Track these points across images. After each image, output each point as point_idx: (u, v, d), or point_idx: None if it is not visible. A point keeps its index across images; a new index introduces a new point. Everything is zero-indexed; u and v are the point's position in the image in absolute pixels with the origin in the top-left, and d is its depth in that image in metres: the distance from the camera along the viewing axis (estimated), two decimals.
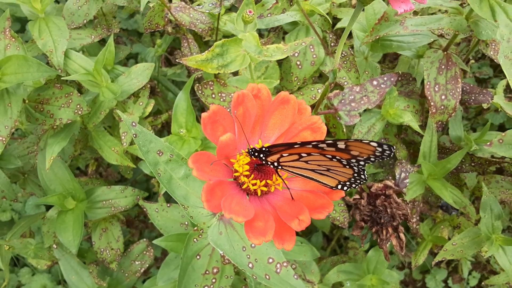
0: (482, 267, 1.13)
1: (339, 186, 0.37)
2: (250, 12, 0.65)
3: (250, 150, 0.37)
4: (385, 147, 0.34)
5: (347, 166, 0.36)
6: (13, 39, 0.78)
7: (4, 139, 0.74)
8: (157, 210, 0.78)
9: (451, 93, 0.76)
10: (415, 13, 0.84)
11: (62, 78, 0.79)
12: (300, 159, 0.35)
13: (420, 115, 0.85)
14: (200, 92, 0.77)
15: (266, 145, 0.38)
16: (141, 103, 0.87)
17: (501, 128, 1.43)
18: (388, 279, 0.98)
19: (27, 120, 0.83)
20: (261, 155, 0.36)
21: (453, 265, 1.33)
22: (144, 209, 0.79)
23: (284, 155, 0.35)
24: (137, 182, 1.36)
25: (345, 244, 1.40)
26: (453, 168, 0.80)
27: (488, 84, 1.54)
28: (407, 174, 0.72)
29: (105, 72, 0.82)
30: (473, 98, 0.83)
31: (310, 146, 0.35)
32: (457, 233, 0.91)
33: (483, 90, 0.84)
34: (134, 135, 0.47)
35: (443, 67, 0.77)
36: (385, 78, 0.70)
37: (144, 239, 1.00)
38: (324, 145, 0.35)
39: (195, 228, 0.67)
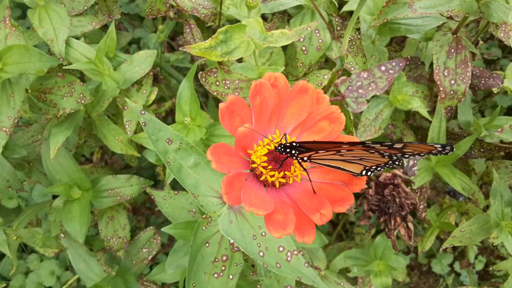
0: (489, 252, 1.12)
1: (364, 172, 0.36)
2: None
3: (280, 147, 0.35)
4: (447, 148, 0.33)
5: (386, 156, 0.34)
6: (14, 28, 0.76)
7: (7, 129, 0.74)
8: (164, 197, 0.78)
9: (460, 78, 0.75)
10: None
11: (64, 67, 0.77)
12: (337, 153, 0.34)
13: (429, 101, 0.84)
14: (203, 79, 0.76)
15: (292, 139, 0.36)
16: (144, 91, 0.86)
17: (510, 110, 1.41)
18: (395, 264, 0.98)
19: (30, 110, 0.82)
20: (293, 151, 0.35)
21: (459, 249, 1.33)
22: (152, 197, 0.79)
23: (320, 151, 0.34)
24: (142, 169, 1.35)
25: (351, 229, 1.40)
26: (462, 154, 0.78)
27: (497, 66, 1.51)
28: (415, 161, 0.71)
29: (107, 60, 0.81)
30: (482, 82, 0.81)
31: (361, 146, 0.34)
32: (465, 219, 0.90)
33: (493, 74, 0.82)
34: (144, 124, 0.46)
35: (452, 50, 0.75)
36: (394, 64, 0.68)
37: (151, 227, 1.00)
38: (377, 145, 0.33)
39: (204, 215, 0.67)
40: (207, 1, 0.83)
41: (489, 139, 0.81)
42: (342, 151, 0.34)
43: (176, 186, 1.32)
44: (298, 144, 0.35)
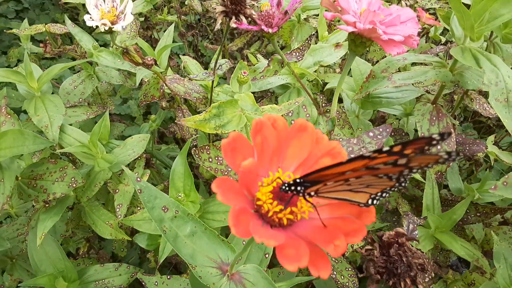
0: None
1: (370, 201, 0.35)
2: (244, 73, 0.67)
3: (284, 186, 0.35)
4: (453, 154, 0.30)
5: (394, 179, 0.33)
6: (9, 116, 0.78)
7: None
8: (156, 283, 0.73)
9: (446, 143, 0.77)
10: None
11: (57, 152, 0.78)
12: (345, 183, 0.34)
13: None
14: (197, 156, 0.77)
15: (293, 175, 0.36)
16: (136, 174, 0.86)
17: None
18: None
19: (19, 197, 0.80)
20: (298, 188, 0.35)
21: None
22: (143, 283, 0.74)
23: (328, 183, 0.34)
24: (129, 264, 1.29)
25: None
26: (459, 219, 0.78)
27: None
28: (415, 225, 0.70)
29: (100, 144, 0.82)
30: (467, 148, 0.84)
31: (365, 159, 0.31)
32: None
33: (476, 141, 0.86)
34: (139, 191, 0.47)
35: (434, 118, 0.79)
36: (381, 129, 0.70)
37: None
38: (380, 159, 0.31)
39: None
40: (198, 86, 0.88)
41: (482, 202, 0.82)
42: (350, 179, 0.34)
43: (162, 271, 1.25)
44: (302, 180, 0.35)
